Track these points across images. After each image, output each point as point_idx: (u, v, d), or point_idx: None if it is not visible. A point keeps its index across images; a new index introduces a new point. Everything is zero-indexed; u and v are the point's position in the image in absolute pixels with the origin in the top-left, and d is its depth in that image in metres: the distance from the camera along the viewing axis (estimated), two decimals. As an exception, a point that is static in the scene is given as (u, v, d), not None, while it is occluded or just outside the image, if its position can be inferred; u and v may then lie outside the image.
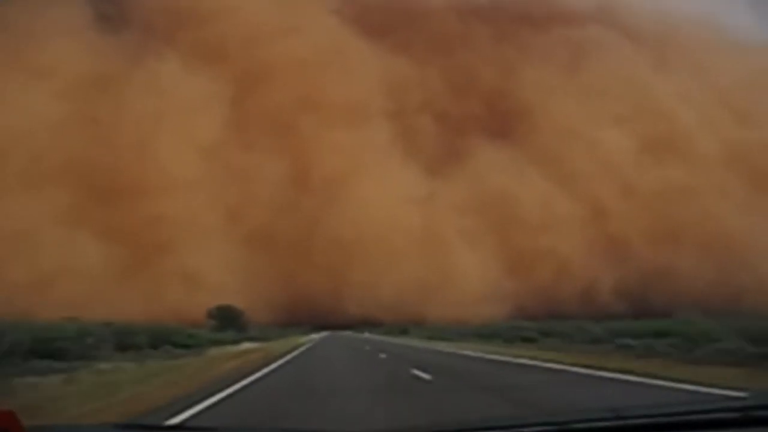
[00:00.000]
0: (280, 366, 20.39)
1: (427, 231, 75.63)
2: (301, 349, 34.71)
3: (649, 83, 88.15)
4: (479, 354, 24.86)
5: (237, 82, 79.36)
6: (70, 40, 78.01)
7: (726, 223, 75.43)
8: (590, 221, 77.95)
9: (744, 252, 72.30)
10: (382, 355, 25.51)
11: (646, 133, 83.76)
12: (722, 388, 10.17)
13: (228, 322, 53.45)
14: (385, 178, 77.85)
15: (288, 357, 25.87)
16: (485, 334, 43.59)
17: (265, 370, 18.14)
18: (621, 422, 2.67)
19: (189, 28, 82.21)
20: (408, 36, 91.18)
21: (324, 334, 73.08)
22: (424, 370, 16.11)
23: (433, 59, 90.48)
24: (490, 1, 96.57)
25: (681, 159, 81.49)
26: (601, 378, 13.65)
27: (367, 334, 69.00)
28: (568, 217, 77.20)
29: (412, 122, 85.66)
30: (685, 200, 77.46)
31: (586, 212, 78.41)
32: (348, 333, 74.69)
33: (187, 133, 75.00)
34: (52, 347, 20.18)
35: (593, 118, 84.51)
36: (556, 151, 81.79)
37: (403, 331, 65.63)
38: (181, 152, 73.34)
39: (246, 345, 39.45)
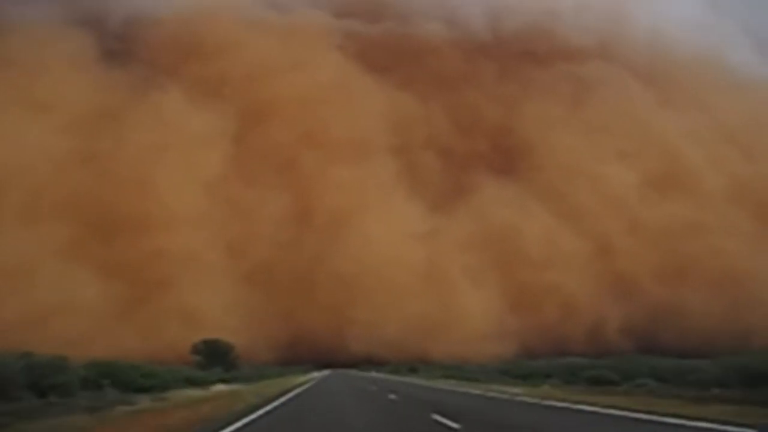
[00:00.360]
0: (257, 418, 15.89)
1: (431, 268, 74.80)
2: (297, 390, 30.31)
3: (653, 119, 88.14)
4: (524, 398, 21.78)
5: (240, 118, 79.28)
6: (74, 74, 78.43)
7: (734, 259, 74.54)
8: (596, 257, 77.07)
9: (753, 289, 71.35)
10: (392, 396, 23.56)
11: (651, 169, 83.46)
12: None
13: (215, 358, 49.49)
14: (389, 214, 77.31)
15: (273, 404, 20.85)
16: (520, 373, 39.18)
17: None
18: None
19: (193, 64, 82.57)
20: (412, 72, 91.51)
21: (326, 372, 71.38)
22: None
23: (437, 95, 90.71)
24: (493, 38, 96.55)
25: (687, 195, 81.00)
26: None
27: (374, 373, 66.55)
28: (573, 253, 76.41)
29: (415, 158, 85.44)
30: (692, 236, 76.72)
31: (591, 248, 77.61)
32: (352, 372, 72.42)
33: (190, 169, 74.81)
34: None
35: (597, 153, 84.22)
36: (561, 187, 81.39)
37: (412, 370, 63.86)
38: (182, 187, 73.06)
39: (218, 387, 34.33)
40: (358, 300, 71.15)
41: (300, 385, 38.50)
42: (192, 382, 32.19)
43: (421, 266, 74.48)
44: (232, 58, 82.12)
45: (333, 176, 77.83)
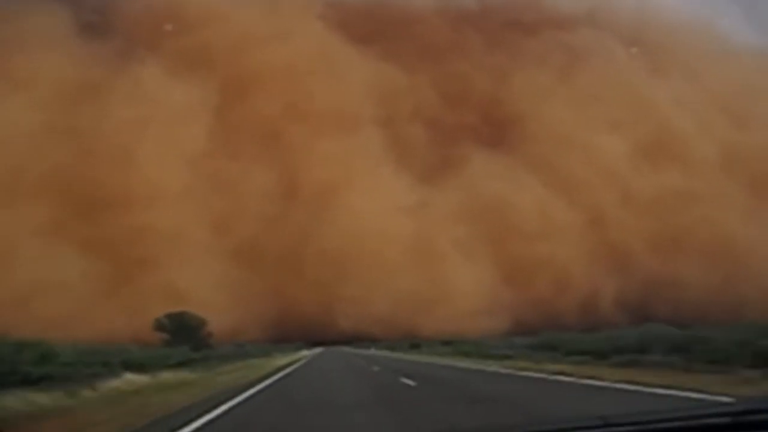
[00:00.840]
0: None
1: (420, 242, 73.46)
2: (279, 376, 25.02)
3: (643, 88, 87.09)
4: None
5: (223, 91, 77.18)
6: (51, 49, 75.79)
7: (727, 229, 73.99)
8: (588, 229, 76.21)
9: (746, 260, 70.82)
10: (410, 382, 18.32)
11: (643, 139, 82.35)
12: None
13: (183, 335, 42.60)
14: (377, 187, 75.83)
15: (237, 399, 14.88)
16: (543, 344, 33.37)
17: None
18: (610, 429, 2.68)
19: (174, 36, 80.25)
20: (397, 43, 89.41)
21: (317, 350, 69.96)
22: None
23: (424, 66, 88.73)
24: (480, 7, 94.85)
25: (679, 164, 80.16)
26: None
27: (373, 351, 63.37)
28: (566, 225, 75.42)
29: (403, 130, 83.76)
30: (685, 206, 75.91)
31: (584, 220, 76.67)
32: (346, 349, 70.59)
33: (172, 143, 72.83)
34: None
35: (588, 123, 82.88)
36: (551, 158, 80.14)
37: (414, 346, 61.25)
38: (165, 162, 71.14)
39: (164, 376, 24.26)
40: (347, 275, 69.89)
41: (286, 366, 33.39)
42: (132, 367, 23.40)
43: (411, 240, 73.17)
44: (213, 29, 79.67)
45: (318, 149, 76.22)
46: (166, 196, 69.83)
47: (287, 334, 69.23)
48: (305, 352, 63.57)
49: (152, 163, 70.51)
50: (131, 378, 21.72)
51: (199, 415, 11.78)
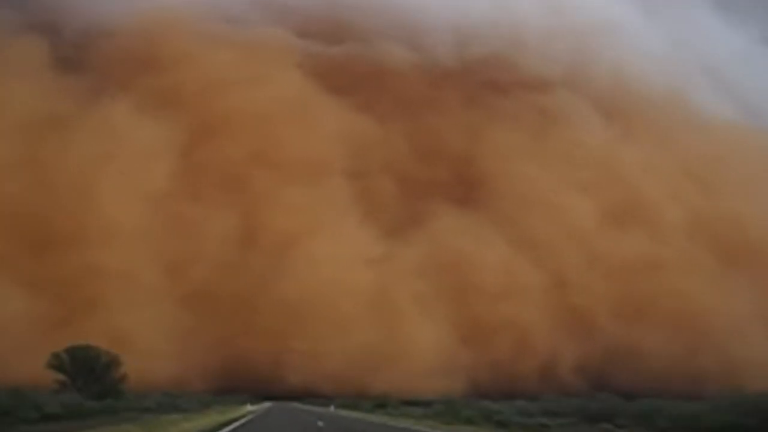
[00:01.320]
0: None
1: (380, 296, 71.39)
2: None
3: (614, 152, 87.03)
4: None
5: (191, 132, 76.11)
6: (20, 80, 74.95)
7: (692, 299, 73.19)
8: (552, 291, 74.97)
9: (709, 332, 70.04)
10: None
11: (611, 202, 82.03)
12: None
13: (87, 377, 33.60)
14: (340, 239, 74.13)
15: None
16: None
17: None
18: None
19: (146, 76, 79.50)
20: (373, 96, 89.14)
21: (266, 405, 66.72)
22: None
23: (397, 120, 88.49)
24: (457, 65, 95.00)
25: (646, 229, 79.73)
26: None
27: (332, 408, 59.10)
28: (529, 286, 74.14)
29: (371, 183, 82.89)
30: (650, 273, 75.15)
31: (548, 281, 75.48)
32: (298, 406, 67.01)
33: (134, 181, 71.37)
34: None
35: (558, 185, 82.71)
36: (519, 218, 79.34)
37: (380, 405, 56.01)
38: (124, 200, 69.55)
39: None
40: (301, 328, 67.53)
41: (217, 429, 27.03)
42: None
43: (370, 294, 71.04)
44: (186, 71, 79.13)
45: (284, 197, 74.63)
46: (121, 235, 67.85)
47: (233, 387, 66.61)
48: (250, 407, 59.25)
49: (111, 200, 68.85)
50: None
51: None
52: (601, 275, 76.09)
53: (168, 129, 74.86)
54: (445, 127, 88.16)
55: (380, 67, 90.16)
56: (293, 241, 72.26)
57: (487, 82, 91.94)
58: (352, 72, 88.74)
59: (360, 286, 70.61)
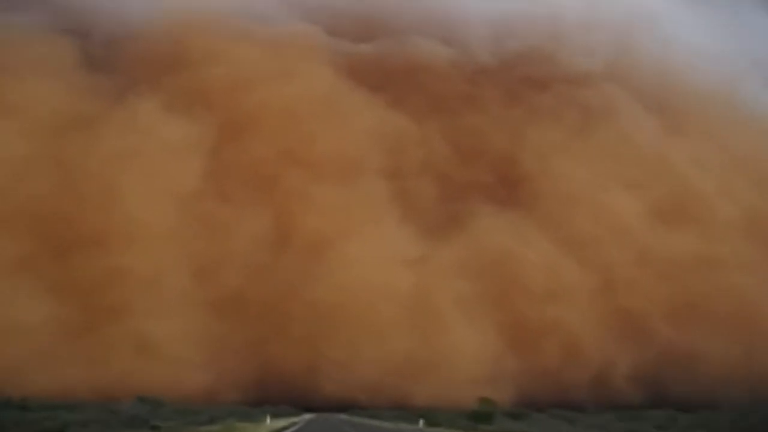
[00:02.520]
0: None
1: (419, 300, 67.43)
2: None
3: (661, 147, 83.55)
4: None
5: (220, 130, 73.18)
6: (48, 80, 72.83)
7: (750, 298, 68.67)
8: (601, 292, 70.66)
9: (768, 332, 65.50)
10: None
11: (660, 199, 78.17)
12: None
13: None
14: (377, 240, 70.35)
15: None
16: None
17: None
18: None
19: (174, 74, 77.05)
20: (406, 92, 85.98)
21: (307, 417, 62.42)
22: None
23: (434, 118, 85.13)
24: (495, 61, 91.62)
25: (698, 227, 75.45)
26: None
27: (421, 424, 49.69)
28: (577, 287, 69.93)
29: (409, 183, 79.41)
30: (704, 271, 70.96)
31: (596, 282, 71.11)
32: (343, 416, 61.63)
33: (161, 181, 68.46)
34: None
35: (603, 182, 78.72)
36: (564, 217, 75.34)
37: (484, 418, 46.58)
38: (151, 201, 66.64)
39: None
40: (336, 334, 64.02)
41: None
42: None
43: (409, 297, 67.17)
44: (214, 68, 76.44)
45: (316, 196, 71.37)
46: (149, 237, 65.05)
47: (266, 397, 62.85)
48: (281, 423, 50.33)
49: (137, 201, 66.10)
50: None
51: None
52: (652, 275, 71.77)
53: (196, 128, 72.17)
54: (484, 125, 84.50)
55: (414, 63, 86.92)
56: (327, 243, 68.96)
57: (526, 77, 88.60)
58: (384, 69, 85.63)
59: (398, 289, 66.94)
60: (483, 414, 47.94)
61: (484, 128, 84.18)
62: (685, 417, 54.09)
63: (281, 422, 50.92)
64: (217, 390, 59.53)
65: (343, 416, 65.11)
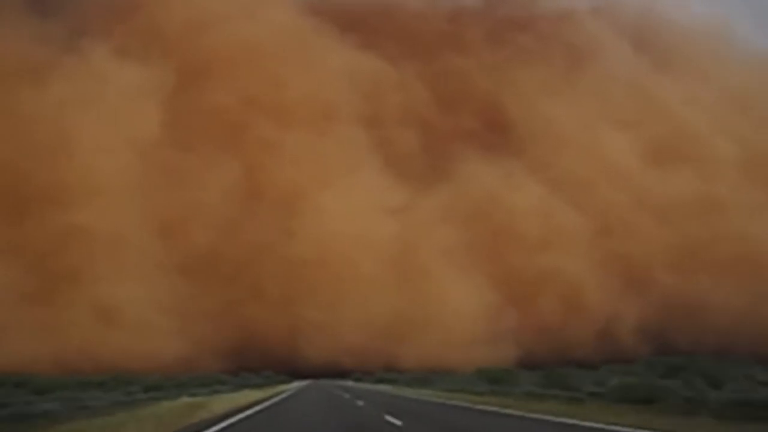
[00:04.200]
0: None
1: (404, 251, 62.58)
2: None
3: (651, 85, 79.60)
4: None
5: (178, 74, 66.87)
6: (-9, 26, 65.68)
7: (754, 241, 64.90)
8: (598, 238, 66.59)
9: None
10: None
11: (653, 137, 74.19)
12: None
13: None
14: (357, 190, 65.19)
15: None
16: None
17: None
18: None
19: (128, 15, 70.58)
20: (383, 31, 79.81)
21: (303, 383, 56.36)
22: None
23: (413, 59, 79.38)
24: (478, 1, 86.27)
25: (696, 166, 71.56)
26: None
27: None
28: (572, 232, 65.76)
29: (385, 126, 73.92)
30: (706, 214, 67.16)
31: (592, 227, 66.99)
32: (366, 387, 50.14)
33: (118, 129, 62.54)
34: None
35: (593, 122, 74.47)
36: (554, 159, 71.12)
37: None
38: (109, 150, 60.82)
39: None
40: (316, 294, 59.20)
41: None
42: None
43: (393, 249, 62.22)
44: (170, 8, 69.80)
45: (289, 145, 66.00)
46: (108, 191, 59.42)
47: (248, 365, 57.18)
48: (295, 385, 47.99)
49: (94, 150, 60.33)
50: None
51: None
52: (651, 218, 68.03)
53: (153, 73, 65.82)
54: (467, 66, 79.24)
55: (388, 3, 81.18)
56: (302, 195, 63.79)
57: (509, 17, 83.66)
58: (354, 7, 79.53)
59: (381, 241, 61.96)
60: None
61: (466, 71, 79.03)
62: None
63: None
64: (193, 358, 54.42)
65: (350, 382, 59.02)
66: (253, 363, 57.44)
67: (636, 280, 64.08)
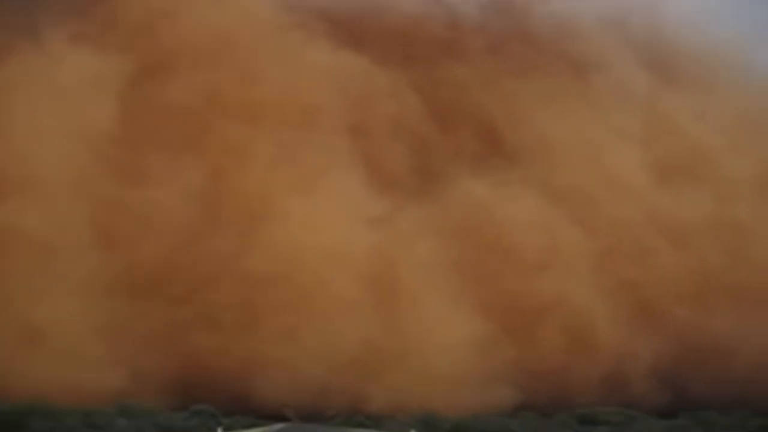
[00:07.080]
0: None
1: (383, 270, 55.41)
2: None
3: (659, 100, 75.81)
4: None
5: (138, 67, 60.61)
6: None
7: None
8: (604, 261, 60.48)
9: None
10: None
11: (663, 153, 70.43)
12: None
13: None
14: (330, 200, 58.42)
15: None
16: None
17: None
18: None
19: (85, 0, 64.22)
20: (375, 33, 74.01)
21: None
22: None
23: (406, 64, 73.56)
24: (480, 10, 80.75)
25: (710, 185, 67.52)
26: None
27: None
28: (575, 253, 59.72)
29: (373, 135, 67.39)
30: (724, 238, 62.55)
31: (598, 248, 61.20)
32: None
33: (66, 118, 56.23)
34: None
35: (599, 136, 69.85)
36: (556, 175, 65.71)
37: None
38: (50, 139, 54.51)
39: None
40: (275, 318, 51.69)
41: None
42: None
43: (369, 266, 55.00)
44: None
45: (259, 148, 59.56)
46: (43, 184, 52.76)
47: (194, 401, 49.72)
48: None
49: (35, 136, 54.31)
50: None
51: None
52: (662, 239, 62.45)
53: (109, 63, 59.49)
54: (465, 74, 73.45)
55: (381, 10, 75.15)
56: (269, 204, 56.81)
57: (510, 27, 78.35)
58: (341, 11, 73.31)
59: (355, 254, 54.74)
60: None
61: (464, 78, 73.24)
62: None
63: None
64: (129, 391, 47.26)
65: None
66: (201, 400, 49.73)
67: (648, 312, 57.65)
